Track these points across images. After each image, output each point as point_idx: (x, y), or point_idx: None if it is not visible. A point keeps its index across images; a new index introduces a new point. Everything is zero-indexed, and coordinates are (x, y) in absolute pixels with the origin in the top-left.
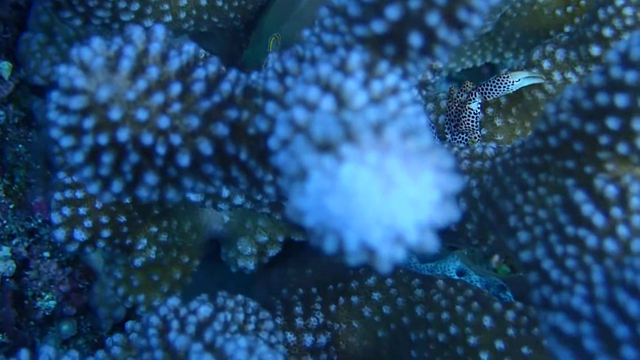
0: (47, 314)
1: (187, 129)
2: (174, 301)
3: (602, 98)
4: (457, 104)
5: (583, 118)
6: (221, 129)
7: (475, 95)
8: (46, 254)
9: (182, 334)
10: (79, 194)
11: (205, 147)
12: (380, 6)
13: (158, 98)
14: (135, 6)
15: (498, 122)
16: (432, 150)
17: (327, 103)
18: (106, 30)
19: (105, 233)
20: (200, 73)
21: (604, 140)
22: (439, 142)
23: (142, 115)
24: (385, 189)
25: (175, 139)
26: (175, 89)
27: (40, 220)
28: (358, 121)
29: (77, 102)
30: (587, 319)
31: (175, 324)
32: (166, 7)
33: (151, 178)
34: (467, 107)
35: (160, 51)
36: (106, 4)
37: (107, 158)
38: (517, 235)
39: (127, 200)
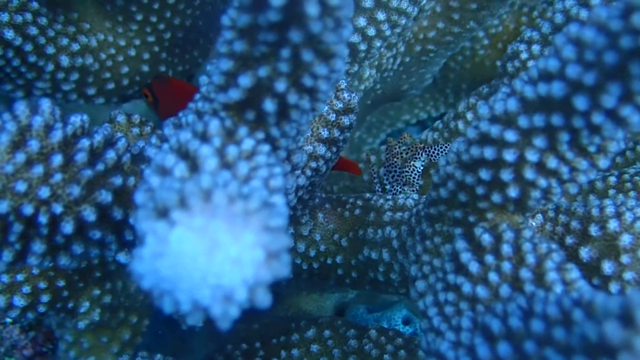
0: None
1: (69, 197)
2: None
3: (475, 151)
4: (399, 158)
5: (463, 170)
6: (104, 196)
7: (422, 155)
8: (8, 320)
9: None
10: None
11: (88, 214)
12: (236, 75)
13: (38, 169)
14: (75, 76)
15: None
16: (259, 212)
17: (179, 169)
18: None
19: (45, 298)
20: (84, 143)
21: (480, 190)
22: (280, 207)
23: (21, 186)
24: (210, 250)
25: (57, 208)
26: (57, 159)
27: None
28: (189, 186)
29: None
30: None
31: None
32: (108, 75)
33: (38, 246)
34: (411, 164)
35: (43, 124)
36: (44, 76)
37: None
38: (416, 284)
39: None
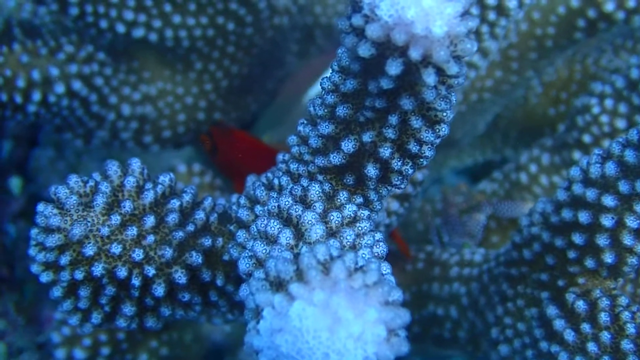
0: None
1: (161, 259)
2: None
3: (567, 214)
4: (458, 209)
5: (552, 232)
6: (195, 258)
7: (486, 208)
8: None
9: None
10: None
11: (180, 276)
12: (337, 139)
13: (132, 231)
14: (134, 125)
15: (493, 224)
16: (378, 286)
17: (285, 237)
18: (107, 148)
19: (105, 351)
20: (174, 204)
21: (572, 254)
22: (388, 276)
23: (116, 249)
24: (332, 326)
25: (150, 271)
26: (149, 221)
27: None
28: (307, 258)
29: (53, 241)
30: None
31: None
32: (164, 123)
33: (128, 309)
34: (474, 216)
35: (135, 185)
36: (105, 125)
37: (84, 292)
38: (499, 349)
39: None
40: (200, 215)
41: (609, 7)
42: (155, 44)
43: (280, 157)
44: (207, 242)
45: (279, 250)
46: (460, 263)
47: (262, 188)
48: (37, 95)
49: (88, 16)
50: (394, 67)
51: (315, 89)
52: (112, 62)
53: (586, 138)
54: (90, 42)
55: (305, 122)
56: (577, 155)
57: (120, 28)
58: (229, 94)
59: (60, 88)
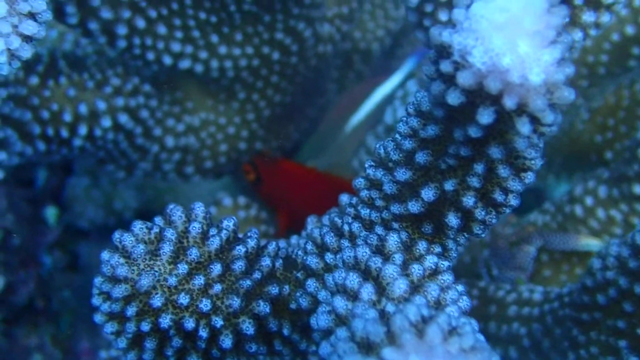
0: None
1: (228, 309)
2: None
3: None
4: (507, 241)
5: (631, 278)
6: (263, 307)
7: (537, 241)
8: None
9: None
10: None
11: (247, 327)
12: (414, 186)
13: (199, 281)
14: (177, 156)
15: (544, 257)
16: (477, 351)
17: (367, 292)
18: (148, 179)
19: None
20: (240, 250)
21: None
22: (482, 339)
23: (183, 300)
24: None
25: (217, 322)
26: (216, 269)
27: None
28: (399, 320)
29: (119, 291)
30: None
31: None
32: (207, 153)
33: None
34: (524, 248)
35: (200, 231)
36: (149, 157)
37: (150, 344)
38: None
39: None
40: (266, 262)
41: None
42: (200, 75)
43: (344, 199)
44: (274, 290)
45: (363, 308)
46: (519, 301)
47: (332, 234)
48: (83, 130)
49: (135, 48)
50: (485, 116)
51: (357, 118)
52: (156, 93)
53: None
54: (136, 73)
55: (374, 164)
56: (638, 189)
57: (167, 60)
58: (270, 123)
59: (107, 122)
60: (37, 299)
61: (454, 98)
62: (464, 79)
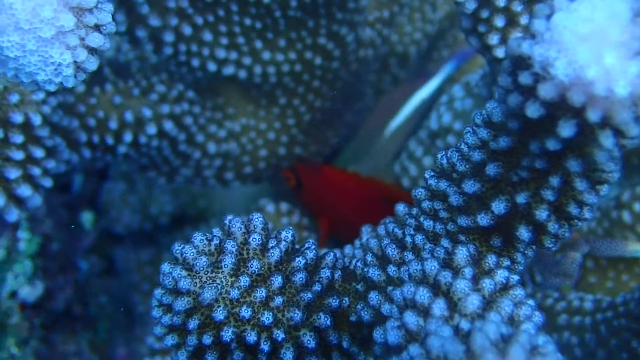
0: None
1: (289, 322)
2: None
3: None
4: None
5: None
6: (324, 320)
7: (583, 247)
8: None
9: None
10: None
11: (309, 340)
12: (482, 198)
13: (260, 293)
14: (218, 162)
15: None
16: None
17: (439, 308)
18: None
19: None
20: (299, 262)
21: None
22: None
23: (245, 313)
24: None
25: (279, 335)
26: (277, 281)
27: None
28: (479, 338)
29: (182, 304)
30: None
31: None
32: (247, 159)
33: None
34: (570, 255)
35: (260, 242)
36: (190, 163)
37: (211, 357)
38: None
39: None
40: (326, 273)
41: None
42: (243, 81)
43: (401, 209)
44: (334, 302)
45: (437, 324)
46: (569, 310)
47: (394, 246)
48: (128, 137)
49: (181, 55)
50: (567, 129)
51: (396, 122)
52: (199, 99)
53: None
54: (180, 80)
55: (435, 175)
56: None
57: (212, 66)
58: (310, 128)
59: (152, 129)
60: (75, 304)
61: (533, 110)
62: (546, 91)
